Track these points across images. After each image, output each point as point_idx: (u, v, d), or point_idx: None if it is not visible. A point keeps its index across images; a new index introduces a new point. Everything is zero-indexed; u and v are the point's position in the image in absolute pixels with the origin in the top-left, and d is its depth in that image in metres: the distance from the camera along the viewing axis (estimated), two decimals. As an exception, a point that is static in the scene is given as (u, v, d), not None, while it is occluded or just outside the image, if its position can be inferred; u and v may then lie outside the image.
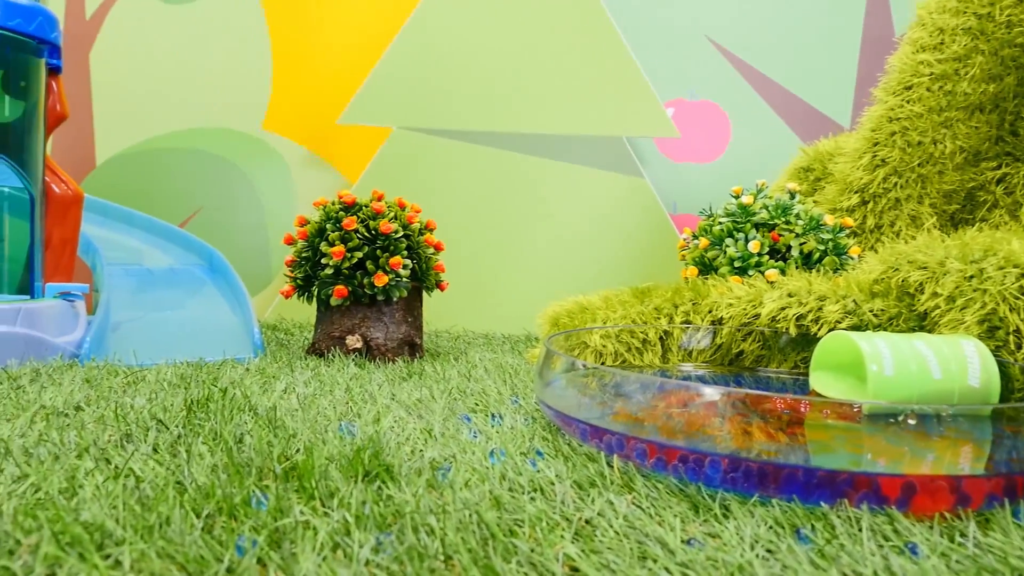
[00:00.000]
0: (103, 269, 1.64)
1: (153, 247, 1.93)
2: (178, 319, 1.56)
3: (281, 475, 0.65)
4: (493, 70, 2.56)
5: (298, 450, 0.73)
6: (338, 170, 2.66)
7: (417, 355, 1.46)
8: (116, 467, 0.67)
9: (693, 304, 1.24)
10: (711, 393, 0.72)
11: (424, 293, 1.52)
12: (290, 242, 1.48)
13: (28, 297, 1.36)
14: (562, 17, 2.60)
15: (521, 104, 2.54)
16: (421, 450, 0.75)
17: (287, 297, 1.47)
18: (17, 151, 1.35)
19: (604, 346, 1.21)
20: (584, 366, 0.91)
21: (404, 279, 1.42)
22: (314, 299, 1.45)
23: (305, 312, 2.39)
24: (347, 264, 1.39)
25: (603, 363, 1.20)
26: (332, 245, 1.40)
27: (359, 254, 1.39)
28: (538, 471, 0.69)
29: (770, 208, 1.43)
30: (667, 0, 2.63)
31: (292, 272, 1.44)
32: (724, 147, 2.58)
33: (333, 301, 1.40)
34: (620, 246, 2.49)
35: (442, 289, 1.52)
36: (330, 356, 1.40)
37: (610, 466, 0.71)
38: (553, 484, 0.66)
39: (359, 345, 1.41)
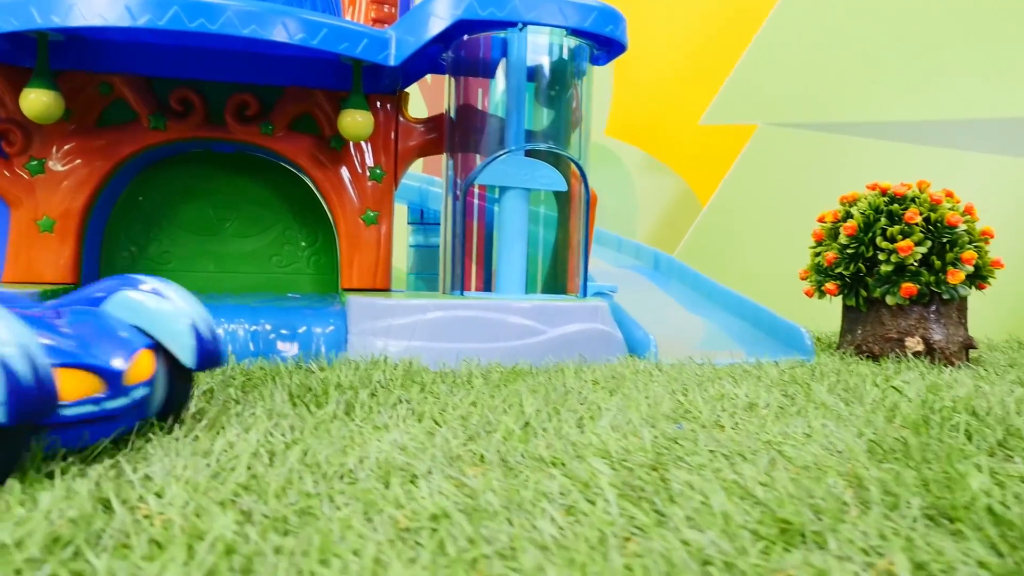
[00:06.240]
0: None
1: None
2: (686, 319, 1.52)
3: None
4: (877, 51, 2.37)
5: None
6: (679, 174, 2.59)
7: (968, 361, 1.34)
8: None
9: None
10: None
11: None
12: (821, 239, 1.40)
13: (578, 296, 1.35)
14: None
15: (908, 88, 2.34)
16: None
17: (815, 297, 1.39)
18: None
19: None
20: None
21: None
22: (856, 298, 1.35)
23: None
24: (911, 260, 1.29)
25: None
26: (891, 240, 1.30)
27: (922, 249, 1.29)
28: None
29: None
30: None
31: (836, 270, 1.35)
32: None
33: (890, 300, 1.30)
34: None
35: (981, 288, 1.39)
36: (887, 359, 1.30)
37: None
38: None
39: (920, 348, 1.30)
